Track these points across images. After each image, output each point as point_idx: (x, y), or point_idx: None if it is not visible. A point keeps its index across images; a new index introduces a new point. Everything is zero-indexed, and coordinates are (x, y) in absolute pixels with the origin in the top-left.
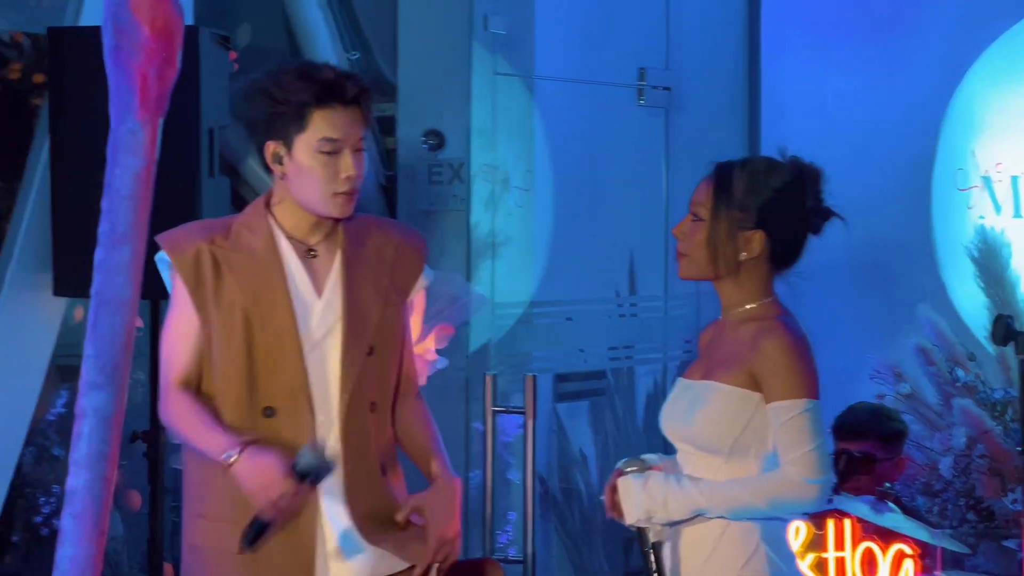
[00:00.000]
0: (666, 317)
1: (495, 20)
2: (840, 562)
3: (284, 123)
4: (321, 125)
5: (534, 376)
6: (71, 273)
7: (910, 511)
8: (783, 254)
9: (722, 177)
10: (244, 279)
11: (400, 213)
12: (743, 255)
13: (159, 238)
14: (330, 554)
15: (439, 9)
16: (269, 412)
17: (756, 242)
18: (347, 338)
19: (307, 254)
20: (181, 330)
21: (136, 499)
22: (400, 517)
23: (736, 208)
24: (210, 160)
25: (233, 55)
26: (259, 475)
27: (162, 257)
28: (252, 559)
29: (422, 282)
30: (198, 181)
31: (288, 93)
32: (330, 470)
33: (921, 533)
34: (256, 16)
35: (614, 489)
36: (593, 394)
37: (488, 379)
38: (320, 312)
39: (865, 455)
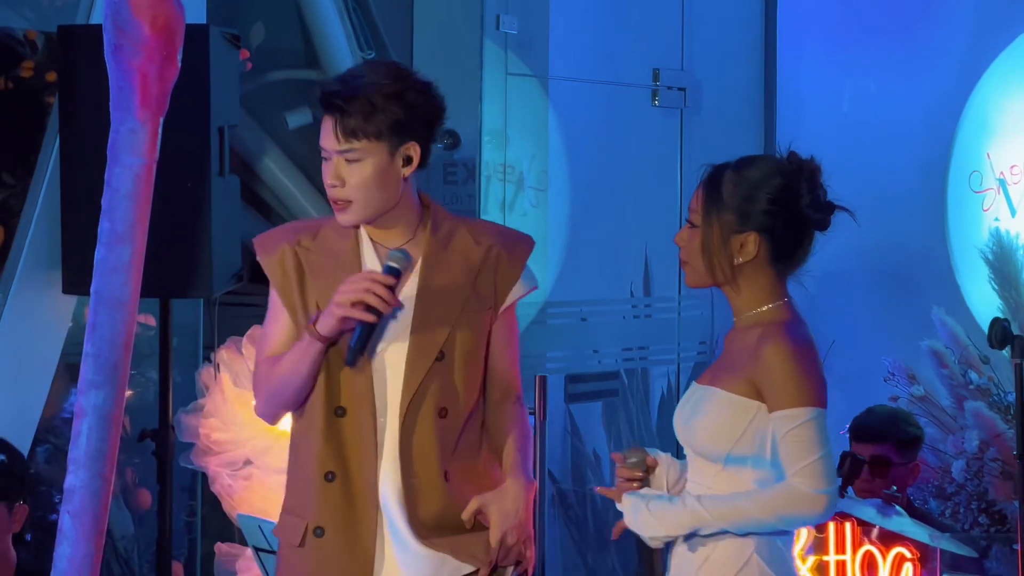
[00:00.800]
0: (680, 318)
1: (507, 20)
2: (841, 565)
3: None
4: (321, 129)
5: (544, 376)
6: (81, 271)
7: (918, 514)
8: (785, 254)
9: (712, 181)
10: (324, 281)
11: None
12: (738, 259)
13: (254, 240)
14: (388, 559)
15: (452, 8)
16: (340, 412)
17: (751, 245)
18: (413, 343)
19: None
20: (275, 324)
21: (146, 498)
22: (464, 515)
23: (727, 211)
24: (220, 159)
25: (246, 54)
26: (347, 284)
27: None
28: (315, 558)
29: (520, 288)
30: (208, 180)
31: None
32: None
33: (922, 536)
34: (270, 15)
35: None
36: (606, 395)
37: None
38: (391, 316)
39: (880, 458)
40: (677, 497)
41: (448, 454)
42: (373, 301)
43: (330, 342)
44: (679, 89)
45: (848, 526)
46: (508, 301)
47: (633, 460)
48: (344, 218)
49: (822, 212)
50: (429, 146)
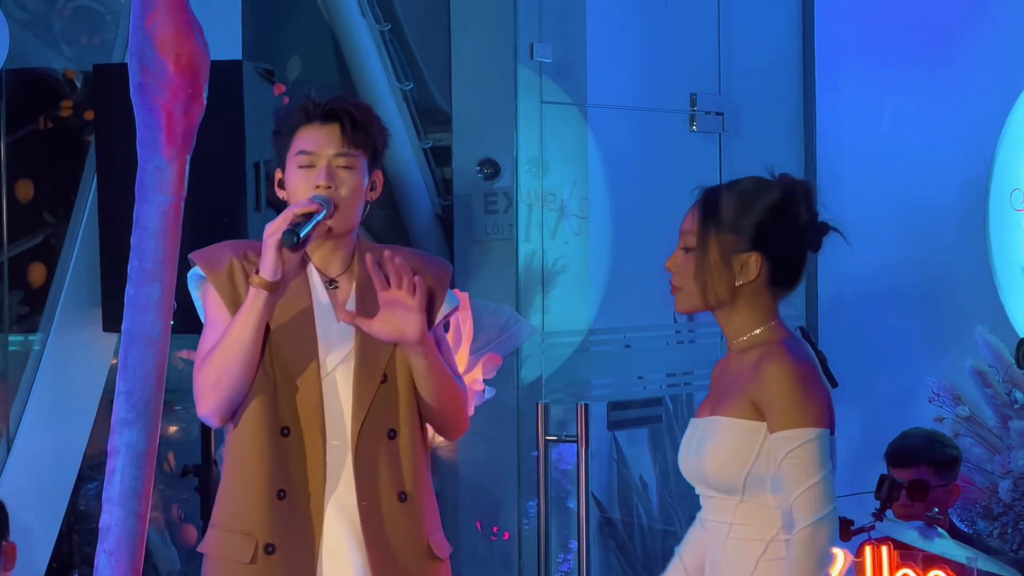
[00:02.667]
0: (723, 343)
1: (541, 48)
2: None
3: (282, 149)
4: (299, 141)
5: (586, 404)
6: (121, 309)
7: (961, 536)
8: (782, 275)
9: (708, 202)
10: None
11: (457, 242)
12: (739, 281)
13: (192, 255)
14: None
15: (488, 38)
16: (285, 432)
17: (752, 265)
18: (358, 366)
19: (329, 285)
20: (216, 333)
21: (192, 533)
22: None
23: (727, 232)
24: (256, 194)
25: (281, 88)
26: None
27: (195, 273)
28: (258, 573)
29: (445, 308)
30: (244, 215)
31: (283, 123)
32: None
33: (961, 557)
34: (306, 49)
35: None
36: (651, 421)
37: (540, 407)
38: (336, 340)
39: (917, 482)
40: None
41: (401, 475)
42: (298, 212)
43: (275, 288)
44: (717, 114)
45: (884, 550)
46: (437, 320)
47: None
48: (336, 226)
49: (818, 232)
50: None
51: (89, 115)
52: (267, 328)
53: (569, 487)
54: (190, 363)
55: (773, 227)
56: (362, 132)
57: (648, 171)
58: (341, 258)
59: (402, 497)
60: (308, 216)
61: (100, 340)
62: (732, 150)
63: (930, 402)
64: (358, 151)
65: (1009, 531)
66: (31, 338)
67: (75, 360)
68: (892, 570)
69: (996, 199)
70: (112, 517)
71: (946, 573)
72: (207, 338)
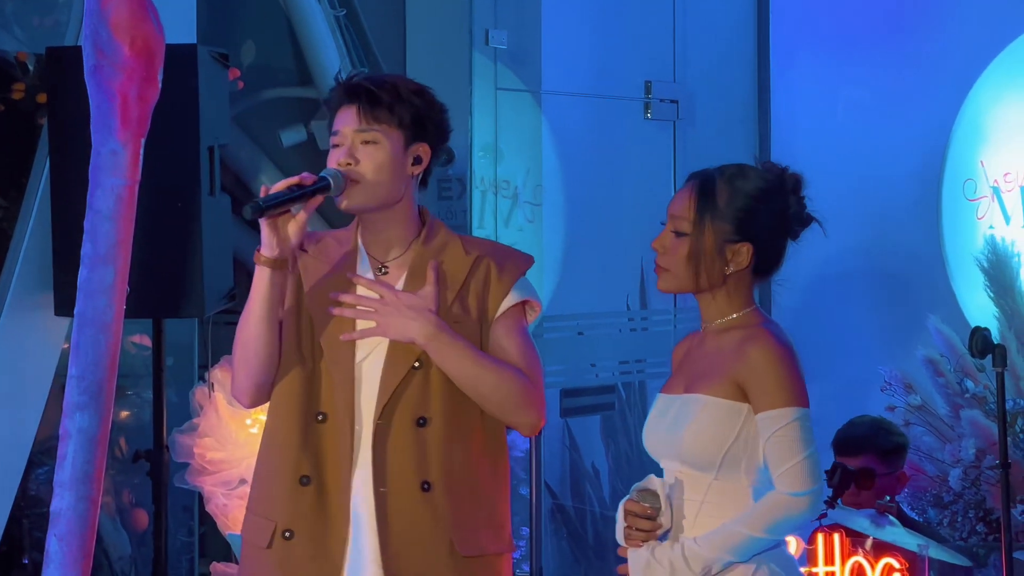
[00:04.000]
0: (676, 331)
1: (496, 35)
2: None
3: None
4: (334, 123)
5: None
6: (73, 293)
7: (910, 523)
8: (767, 264)
9: (704, 189)
10: (318, 286)
11: None
12: (730, 269)
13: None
14: (354, 569)
15: (443, 25)
16: (321, 417)
17: (744, 254)
18: (390, 350)
19: (379, 271)
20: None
21: (143, 518)
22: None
23: (722, 220)
24: (211, 178)
25: (236, 73)
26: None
27: None
28: (282, 559)
29: (511, 299)
30: (198, 199)
31: (328, 107)
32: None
33: (913, 545)
34: (261, 33)
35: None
36: (603, 408)
37: None
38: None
39: (864, 470)
40: (677, 545)
41: (428, 464)
42: (284, 186)
43: (277, 265)
44: (671, 101)
45: (837, 537)
46: (499, 311)
47: (647, 505)
48: (348, 199)
49: (804, 223)
50: (435, 158)
51: (41, 98)
52: (304, 312)
53: (521, 474)
54: (143, 347)
55: (765, 218)
56: (384, 108)
57: (602, 158)
58: (395, 239)
59: (425, 487)
60: (293, 188)
61: (52, 324)
62: (686, 138)
63: (882, 391)
64: (381, 126)
65: (959, 519)
66: None
67: (26, 344)
68: (844, 557)
69: (949, 190)
70: (63, 502)
71: (897, 561)
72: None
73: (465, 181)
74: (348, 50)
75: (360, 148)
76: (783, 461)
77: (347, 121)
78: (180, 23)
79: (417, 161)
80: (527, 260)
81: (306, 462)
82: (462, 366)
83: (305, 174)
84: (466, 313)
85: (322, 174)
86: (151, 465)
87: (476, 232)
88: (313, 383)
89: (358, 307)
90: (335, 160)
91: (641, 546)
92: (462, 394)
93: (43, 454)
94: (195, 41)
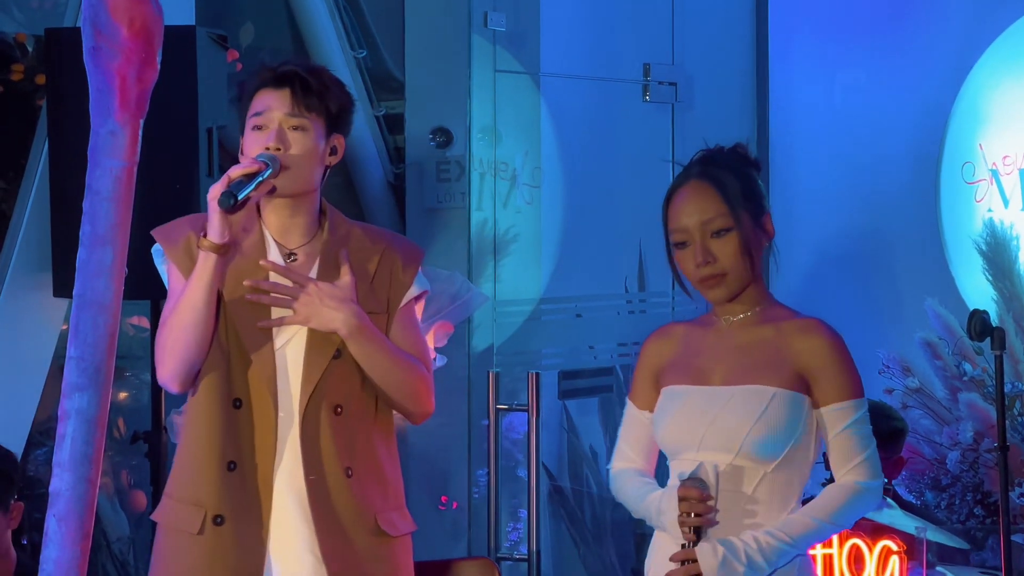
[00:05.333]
0: (675, 312)
1: (495, 17)
2: (828, 559)
3: (241, 115)
4: (254, 104)
5: (537, 373)
6: (71, 274)
7: (907, 506)
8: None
9: (720, 181)
10: (230, 273)
11: (408, 210)
12: (766, 242)
13: (154, 231)
14: (281, 552)
15: (442, 6)
16: (238, 403)
17: (769, 224)
18: (311, 340)
19: (287, 258)
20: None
21: (142, 499)
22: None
23: (747, 201)
24: (209, 159)
25: (234, 54)
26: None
27: (157, 249)
28: (212, 545)
29: (413, 291)
30: (197, 180)
31: (241, 88)
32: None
33: (910, 528)
34: (259, 15)
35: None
36: (601, 391)
37: (491, 376)
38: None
39: None
40: (750, 537)
41: (347, 451)
42: (236, 174)
43: (223, 251)
44: (670, 84)
45: None
46: (402, 302)
47: (695, 490)
48: (276, 184)
49: None
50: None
51: (40, 79)
52: (221, 298)
53: (519, 456)
54: (141, 329)
55: (759, 185)
56: (315, 96)
57: (601, 141)
58: (301, 227)
59: (348, 472)
60: (249, 176)
61: (51, 305)
62: (684, 121)
63: (880, 374)
64: (310, 114)
65: (957, 502)
66: None
67: (25, 325)
68: (842, 540)
69: (948, 172)
70: (62, 482)
71: (895, 543)
72: (166, 309)
73: (464, 163)
74: (347, 32)
75: (289, 133)
76: (858, 453)
77: (277, 104)
78: (179, 5)
79: (333, 152)
80: (422, 252)
81: (230, 448)
82: (378, 358)
83: (252, 159)
84: (378, 304)
85: (262, 158)
86: (149, 446)
87: (475, 214)
88: (229, 369)
89: (273, 294)
90: (260, 143)
91: (694, 538)
92: (366, 383)
93: (42, 435)
94: (194, 23)
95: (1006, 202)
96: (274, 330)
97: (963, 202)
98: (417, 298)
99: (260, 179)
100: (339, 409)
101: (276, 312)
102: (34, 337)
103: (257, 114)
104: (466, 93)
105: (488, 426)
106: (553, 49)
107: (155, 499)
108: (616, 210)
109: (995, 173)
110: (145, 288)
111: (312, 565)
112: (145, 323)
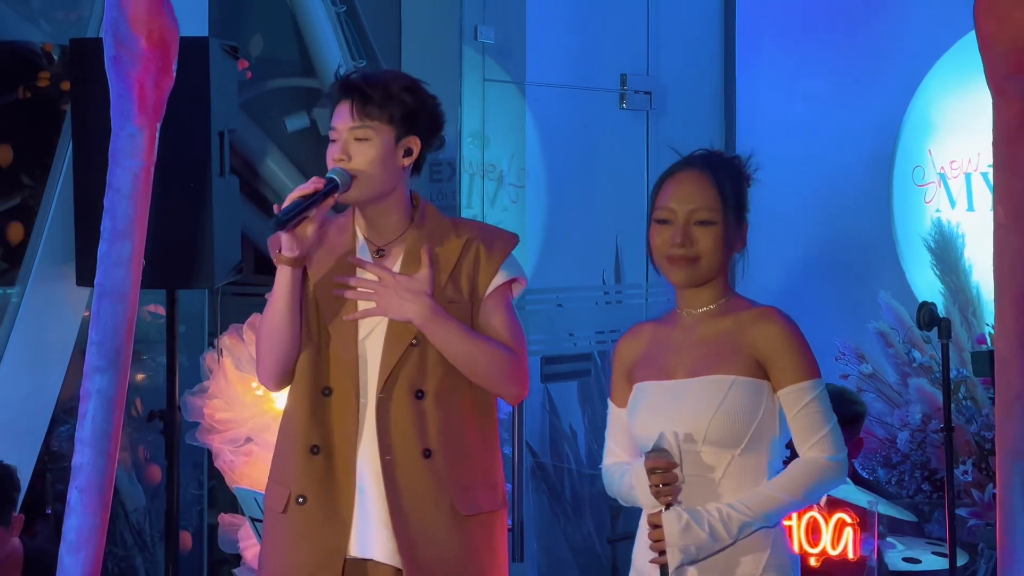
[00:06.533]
0: (648, 303)
1: (484, 31)
2: (787, 531)
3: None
4: (332, 116)
5: None
6: (93, 265)
7: (862, 482)
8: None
9: (719, 177)
10: (320, 272)
11: None
12: (739, 249)
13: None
14: (362, 529)
15: (435, 20)
16: (327, 391)
17: (745, 233)
18: (390, 329)
19: (376, 254)
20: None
21: (157, 473)
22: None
23: (736, 205)
24: (220, 160)
25: (245, 64)
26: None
27: None
28: (297, 523)
29: (500, 277)
30: (209, 180)
31: (330, 100)
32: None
33: (862, 501)
34: (268, 28)
35: (654, 525)
36: (580, 375)
37: None
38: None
39: None
40: (714, 508)
41: (426, 433)
42: (297, 193)
43: (297, 264)
44: (645, 93)
45: None
46: (489, 289)
47: (661, 461)
48: (346, 194)
49: None
50: (428, 148)
51: (65, 86)
52: (310, 296)
53: (504, 435)
54: (157, 316)
55: (747, 197)
56: (375, 105)
57: (580, 145)
58: (390, 225)
59: (426, 454)
60: (306, 197)
61: (74, 294)
62: (658, 127)
63: (836, 360)
64: (373, 122)
65: (906, 478)
66: (9, 291)
67: (50, 312)
68: (800, 512)
69: (900, 175)
70: (84, 457)
71: (849, 516)
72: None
73: (455, 165)
74: (347, 44)
75: (353, 144)
76: (817, 430)
77: (342, 118)
78: (193, 17)
79: (408, 153)
80: (513, 239)
81: (315, 433)
82: (454, 344)
83: (314, 179)
84: (459, 293)
85: (330, 175)
86: (164, 424)
87: (464, 212)
88: (320, 361)
89: (359, 289)
90: (331, 155)
91: (670, 501)
92: (453, 368)
93: (65, 413)
94: (207, 34)
95: (953, 203)
96: (359, 322)
97: (913, 203)
98: (510, 284)
99: (318, 197)
100: (420, 393)
101: (362, 306)
102: (58, 323)
103: (332, 128)
104: (457, 100)
105: None
106: (537, 60)
107: (169, 473)
108: (595, 209)
109: (943, 177)
110: (161, 278)
111: (386, 539)
112: (161, 310)
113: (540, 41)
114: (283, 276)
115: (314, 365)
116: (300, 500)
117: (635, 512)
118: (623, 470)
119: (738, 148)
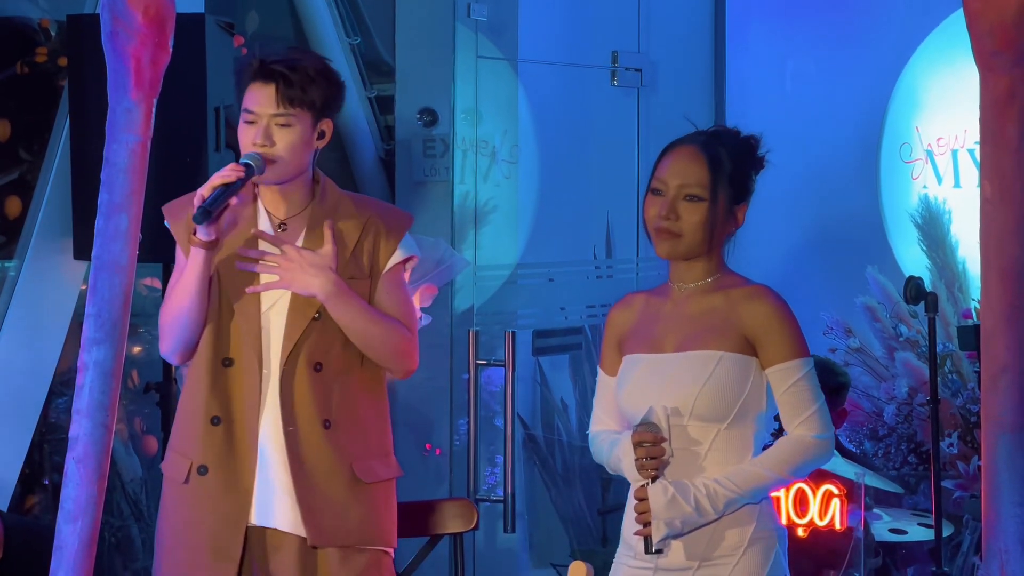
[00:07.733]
0: (639, 278)
1: (477, 8)
2: (775, 502)
3: (237, 101)
4: (246, 98)
5: (513, 332)
6: (90, 239)
7: (848, 454)
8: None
9: (714, 155)
10: (223, 244)
11: (398, 183)
12: (731, 230)
13: (164, 208)
14: (263, 499)
15: None
16: (227, 362)
17: (741, 215)
18: (293, 303)
19: (279, 228)
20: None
21: (153, 444)
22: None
23: (730, 184)
24: (216, 135)
25: (240, 40)
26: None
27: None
28: (198, 493)
29: (398, 256)
30: (205, 154)
31: (238, 77)
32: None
33: (849, 473)
34: (263, 4)
35: (640, 498)
36: (571, 348)
37: (471, 334)
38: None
39: None
40: (700, 483)
41: (326, 405)
42: (218, 181)
43: (212, 247)
44: (636, 70)
45: None
46: (387, 267)
47: (648, 436)
48: (267, 176)
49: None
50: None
51: (63, 61)
52: (215, 268)
53: (496, 407)
54: (153, 289)
55: (750, 179)
56: (298, 90)
57: (572, 122)
58: (294, 201)
59: (327, 425)
60: (229, 185)
61: (71, 267)
62: (649, 104)
63: (824, 334)
64: (295, 109)
65: (892, 451)
66: (7, 264)
67: (48, 285)
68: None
69: (887, 152)
70: (81, 428)
71: (836, 487)
72: (171, 282)
73: (448, 141)
74: (343, 21)
75: (275, 130)
76: (804, 408)
77: (265, 102)
78: None
79: (321, 136)
80: (409, 218)
81: (216, 404)
82: (356, 320)
83: (232, 166)
84: (360, 270)
85: (245, 161)
86: (160, 396)
87: (458, 188)
88: (221, 332)
89: (263, 262)
90: (250, 139)
91: (655, 475)
92: (350, 343)
93: (62, 385)
94: (203, 11)
95: (939, 180)
96: (262, 295)
97: (901, 180)
98: (404, 262)
99: (238, 185)
100: (319, 366)
101: (264, 279)
102: (56, 296)
103: (247, 110)
104: (451, 77)
105: (468, 380)
106: (530, 37)
107: (165, 444)
108: (586, 184)
109: (930, 154)
110: (157, 252)
111: (288, 508)
112: (157, 284)
113: (532, 18)
114: (197, 258)
115: (214, 336)
116: (201, 470)
117: (625, 484)
118: (611, 439)
119: (728, 125)
